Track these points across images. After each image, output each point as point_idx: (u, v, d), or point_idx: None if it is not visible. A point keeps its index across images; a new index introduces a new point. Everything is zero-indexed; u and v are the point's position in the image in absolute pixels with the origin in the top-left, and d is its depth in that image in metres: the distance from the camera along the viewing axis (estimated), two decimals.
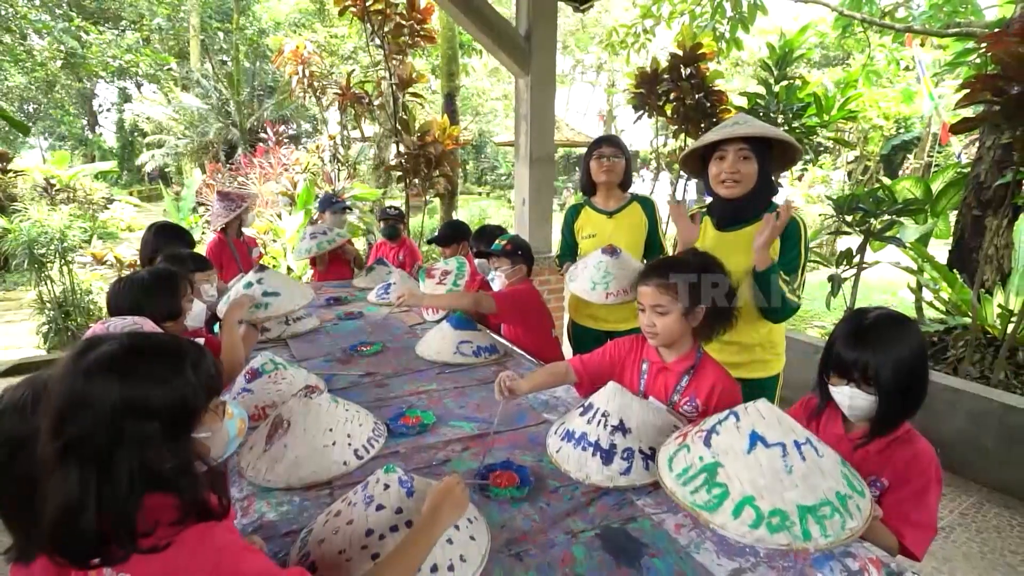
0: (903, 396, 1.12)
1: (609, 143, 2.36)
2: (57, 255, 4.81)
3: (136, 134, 18.29)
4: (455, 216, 8.77)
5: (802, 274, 1.72)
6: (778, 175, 1.87)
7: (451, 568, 0.92)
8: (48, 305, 4.81)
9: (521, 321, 2.29)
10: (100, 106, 23.43)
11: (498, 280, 2.29)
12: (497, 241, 2.30)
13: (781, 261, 1.68)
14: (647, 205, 2.41)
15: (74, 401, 0.70)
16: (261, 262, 2.93)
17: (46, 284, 4.80)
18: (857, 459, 1.17)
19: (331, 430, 1.34)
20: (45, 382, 0.83)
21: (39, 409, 0.81)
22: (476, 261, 2.61)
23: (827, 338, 1.25)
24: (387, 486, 1.00)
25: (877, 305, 1.26)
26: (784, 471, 0.96)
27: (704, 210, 1.90)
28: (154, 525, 0.69)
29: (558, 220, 2.78)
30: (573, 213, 2.50)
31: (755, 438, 1.01)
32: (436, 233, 3.07)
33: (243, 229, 3.34)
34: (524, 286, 2.27)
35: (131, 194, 13.47)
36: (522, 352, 2.18)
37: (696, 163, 1.85)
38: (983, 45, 3.23)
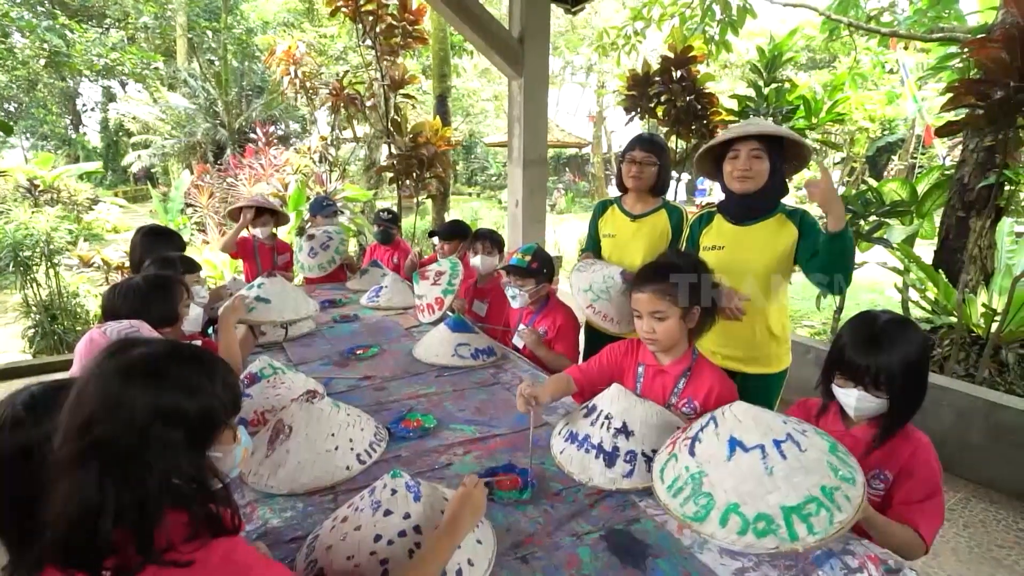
0: (912, 397, 1.16)
1: (642, 146, 2.16)
2: (43, 258, 4.73)
3: (121, 134, 18.00)
4: (447, 217, 8.76)
5: None
6: (790, 175, 1.92)
7: (459, 573, 0.92)
8: (34, 309, 4.73)
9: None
10: (84, 105, 22.96)
11: (520, 299, 2.14)
12: (520, 256, 2.12)
13: (814, 243, 1.70)
14: (674, 214, 2.22)
15: (108, 402, 0.69)
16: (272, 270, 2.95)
17: (32, 287, 4.72)
18: (859, 454, 1.19)
19: (333, 435, 1.34)
20: (31, 396, 0.82)
21: (37, 419, 0.80)
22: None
23: (824, 338, 1.28)
24: (394, 491, 1.00)
25: (884, 309, 1.29)
26: (765, 474, 0.99)
27: (713, 208, 1.96)
28: (168, 543, 0.67)
29: (552, 221, 2.78)
30: (600, 209, 2.39)
31: (734, 444, 1.04)
32: (438, 227, 3.08)
33: (273, 232, 3.38)
34: (570, 320, 2.17)
35: (116, 195, 13.30)
36: (519, 356, 2.19)
37: (710, 163, 1.91)
38: (966, 50, 3.30)
